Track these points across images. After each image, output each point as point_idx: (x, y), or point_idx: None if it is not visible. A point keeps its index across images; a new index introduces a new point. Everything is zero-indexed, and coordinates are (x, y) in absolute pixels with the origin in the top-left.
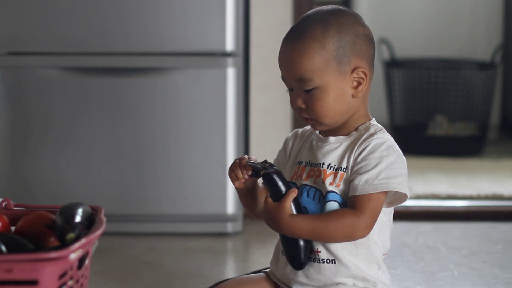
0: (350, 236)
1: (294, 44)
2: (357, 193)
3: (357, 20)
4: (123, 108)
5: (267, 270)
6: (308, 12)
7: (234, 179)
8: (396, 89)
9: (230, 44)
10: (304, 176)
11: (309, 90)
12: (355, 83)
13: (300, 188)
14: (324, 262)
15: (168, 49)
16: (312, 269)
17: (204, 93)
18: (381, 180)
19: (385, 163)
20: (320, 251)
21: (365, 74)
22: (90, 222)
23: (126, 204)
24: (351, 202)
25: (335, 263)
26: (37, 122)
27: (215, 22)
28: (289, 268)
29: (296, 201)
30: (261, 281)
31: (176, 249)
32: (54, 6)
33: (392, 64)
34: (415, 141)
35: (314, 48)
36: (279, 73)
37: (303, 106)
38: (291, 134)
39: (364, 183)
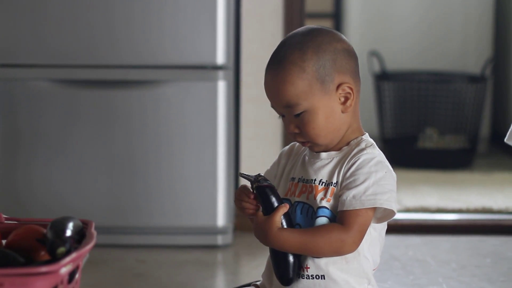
0: (338, 251)
1: (275, 72)
2: (344, 208)
3: (333, 36)
4: (114, 120)
5: (257, 283)
6: (286, 38)
7: (243, 207)
8: (387, 101)
9: (220, 57)
10: (297, 193)
11: (299, 114)
12: (342, 99)
13: (294, 205)
14: (313, 278)
15: (159, 62)
16: (301, 285)
17: (194, 106)
18: (369, 196)
19: (373, 179)
20: (309, 267)
21: (351, 89)
22: (80, 236)
23: (116, 216)
24: (339, 217)
25: (324, 279)
26: (28, 134)
27: (206, 35)
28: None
29: (288, 217)
30: None
31: (167, 261)
32: (45, 18)
33: (383, 77)
34: (405, 154)
35: (295, 73)
36: None
37: (296, 130)
38: (287, 148)
39: (351, 199)
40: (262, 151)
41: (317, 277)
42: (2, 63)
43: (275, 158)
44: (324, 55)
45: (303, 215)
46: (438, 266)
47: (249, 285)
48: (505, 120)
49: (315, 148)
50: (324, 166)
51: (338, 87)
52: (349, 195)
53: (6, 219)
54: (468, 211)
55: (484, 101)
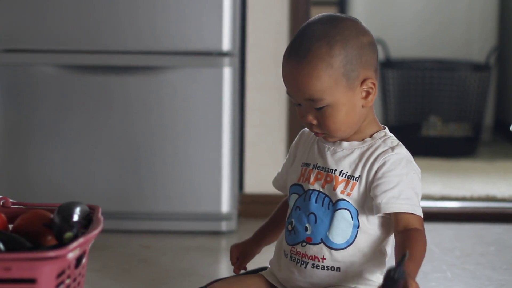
0: None
1: (300, 65)
2: (382, 211)
3: (359, 29)
4: (119, 106)
5: (262, 270)
6: (307, 25)
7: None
8: (391, 89)
9: (226, 43)
10: (311, 180)
11: (320, 108)
12: (364, 94)
13: (308, 193)
14: (328, 270)
15: (164, 48)
16: (315, 276)
17: (200, 92)
18: (403, 200)
19: (406, 181)
20: (325, 258)
21: (374, 84)
22: (87, 221)
23: (121, 202)
24: (397, 220)
25: (339, 271)
26: (33, 119)
27: (212, 22)
28: (291, 272)
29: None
30: (256, 281)
31: (171, 247)
32: (48, 3)
33: (387, 65)
34: (409, 142)
35: (322, 68)
36: (275, 73)
37: (314, 122)
38: (296, 139)
39: (387, 201)
40: (267, 139)
41: (333, 268)
42: (5, 48)
43: (280, 145)
44: (352, 50)
45: (319, 204)
46: (442, 253)
47: (253, 272)
48: (509, 108)
49: (329, 139)
50: (345, 157)
51: (362, 82)
52: (383, 198)
53: (13, 203)
54: (472, 199)
55: (488, 89)
